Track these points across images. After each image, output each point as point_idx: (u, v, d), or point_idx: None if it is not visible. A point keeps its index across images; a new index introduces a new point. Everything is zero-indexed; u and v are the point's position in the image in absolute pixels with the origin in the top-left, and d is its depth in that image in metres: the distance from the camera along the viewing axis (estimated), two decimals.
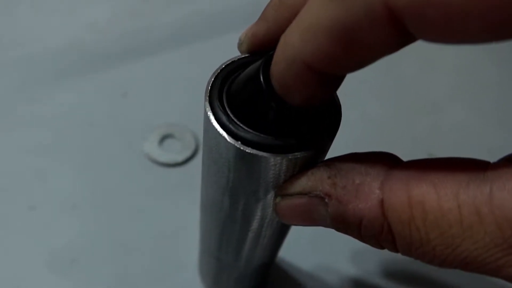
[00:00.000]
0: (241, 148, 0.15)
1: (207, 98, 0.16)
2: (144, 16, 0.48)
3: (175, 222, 0.35)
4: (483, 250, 0.12)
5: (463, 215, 0.12)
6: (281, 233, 0.23)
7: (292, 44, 0.13)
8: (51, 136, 0.39)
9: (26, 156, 0.38)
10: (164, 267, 0.34)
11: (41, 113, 0.40)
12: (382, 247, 0.15)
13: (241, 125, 0.16)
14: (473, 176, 0.13)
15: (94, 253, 0.34)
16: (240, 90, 0.16)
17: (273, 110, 0.15)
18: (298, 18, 0.14)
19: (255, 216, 0.19)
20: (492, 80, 0.48)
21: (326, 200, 0.15)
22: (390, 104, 0.45)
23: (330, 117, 0.16)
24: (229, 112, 0.16)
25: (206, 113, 0.16)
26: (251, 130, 0.15)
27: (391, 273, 0.35)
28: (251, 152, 0.15)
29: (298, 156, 0.15)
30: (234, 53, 0.18)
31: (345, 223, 0.15)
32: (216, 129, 0.16)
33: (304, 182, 0.16)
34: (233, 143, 0.15)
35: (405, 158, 0.15)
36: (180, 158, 0.38)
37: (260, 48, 0.17)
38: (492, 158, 0.14)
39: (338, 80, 0.15)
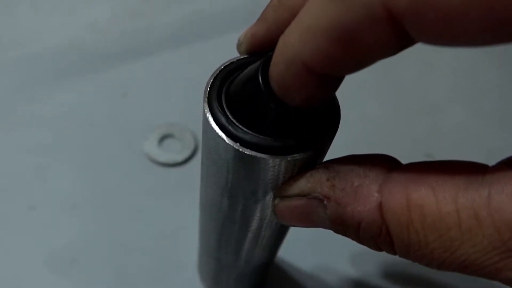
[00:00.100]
0: (240, 149, 0.15)
1: (206, 99, 0.16)
2: (144, 16, 0.48)
3: (175, 222, 0.35)
4: (481, 253, 0.12)
5: (462, 219, 0.12)
6: (280, 233, 0.23)
7: (291, 45, 0.13)
8: (51, 136, 0.39)
9: (26, 156, 0.38)
10: (164, 267, 0.34)
11: (41, 113, 0.40)
12: (380, 249, 0.15)
13: (240, 126, 0.16)
14: (472, 179, 0.13)
15: (94, 253, 0.34)
16: (239, 91, 0.16)
17: (272, 111, 0.15)
18: (297, 18, 0.14)
19: (254, 217, 0.19)
20: (491, 81, 0.48)
21: (325, 202, 0.15)
22: (389, 105, 0.45)
23: (329, 118, 0.16)
24: (228, 113, 0.16)
25: (205, 114, 0.16)
26: (250, 131, 0.15)
27: (389, 274, 0.35)
28: (250, 153, 0.15)
29: (297, 157, 0.15)
30: (234, 53, 0.18)
31: (343, 225, 0.15)
32: (215, 130, 0.16)
33: (303, 184, 0.16)
34: (231, 144, 0.15)
35: (404, 159, 0.15)
36: (179, 158, 0.38)
37: (259, 49, 0.17)
38: (492, 160, 0.14)
39: (337, 81, 0.15)
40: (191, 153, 0.38)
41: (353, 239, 0.15)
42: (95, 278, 0.33)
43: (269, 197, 0.17)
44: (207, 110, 0.16)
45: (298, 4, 0.15)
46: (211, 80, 0.17)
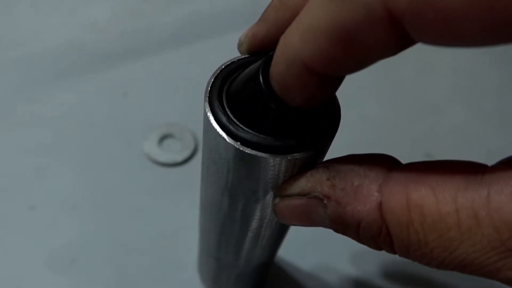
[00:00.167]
0: (241, 148, 0.15)
1: (207, 98, 0.16)
2: (144, 16, 0.48)
3: (175, 222, 0.35)
4: (480, 253, 0.12)
5: (461, 219, 0.13)
6: (280, 233, 0.23)
7: (292, 45, 0.14)
8: (51, 136, 0.39)
9: (26, 156, 0.38)
10: (164, 267, 0.34)
11: (41, 113, 0.40)
12: (380, 249, 0.15)
13: (241, 125, 0.16)
14: (471, 179, 0.13)
15: (94, 253, 0.34)
16: (239, 91, 0.16)
17: (272, 110, 0.15)
18: (297, 19, 0.14)
19: (254, 216, 0.19)
20: (491, 81, 0.48)
21: (325, 201, 0.15)
22: (389, 106, 0.45)
23: (330, 118, 0.16)
24: (228, 113, 0.16)
25: (205, 114, 0.16)
26: (250, 131, 0.15)
27: (389, 274, 0.35)
28: (251, 152, 0.15)
29: (297, 156, 0.15)
30: (234, 53, 0.18)
31: (343, 225, 0.15)
32: (216, 130, 0.16)
33: (303, 183, 0.16)
34: (232, 143, 0.15)
35: (404, 159, 0.15)
36: (179, 158, 0.38)
37: (260, 49, 0.17)
38: (491, 160, 0.14)
39: (337, 81, 0.15)
40: (191, 153, 0.38)
41: (353, 238, 0.15)
42: (95, 278, 0.33)
43: (269, 196, 0.17)
44: (208, 109, 0.16)
45: (299, 4, 0.15)
46: (212, 80, 0.17)
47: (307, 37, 0.13)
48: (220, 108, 0.16)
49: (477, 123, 0.44)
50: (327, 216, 0.15)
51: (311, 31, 0.13)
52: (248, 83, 0.16)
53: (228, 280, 0.29)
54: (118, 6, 0.48)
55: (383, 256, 0.35)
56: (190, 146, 0.39)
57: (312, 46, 0.13)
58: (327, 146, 0.17)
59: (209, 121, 0.16)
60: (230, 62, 0.17)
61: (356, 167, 0.15)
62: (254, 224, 0.20)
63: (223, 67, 0.17)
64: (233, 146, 0.15)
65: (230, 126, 0.15)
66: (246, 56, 0.17)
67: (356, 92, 0.44)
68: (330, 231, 0.16)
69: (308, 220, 0.16)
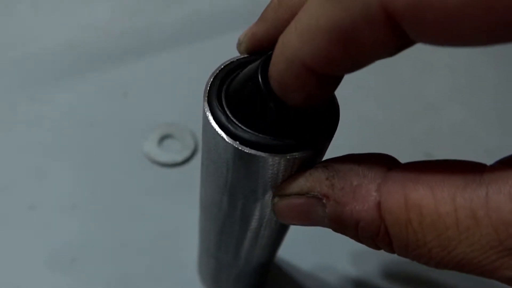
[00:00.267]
0: (240, 148, 0.15)
1: (206, 98, 0.16)
2: (144, 16, 0.48)
3: (175, 222, 0.35)
4: (479, 253, 0.12)
5: (460, 218, 0.13)
6: (279, 232, 0.23)
7: (291, 45, 0.14)
8: (51, 136, 0.39)
9: (26, 155, 0.38)
10: (164, 267, 0.34)
11: (41, 113, 0.40)
12: (379, 248, 0.15)
13: (240, 125, 0.16)
14: (470, 179, 0.13)
15: (94, 252, 0.34)
16: (238, 90, 0.16)
17: (271, 110, 0.15)
18: (296, 18, 0.14)
19: (253, 216, 0.19)
20: (490, 81, 0.48)
21: (324, 201, 0.15)
22: (388, 105, 0.45)
23: (329, 117, 0.16)
24: (227, 112, 0.16)
25: (204, 113, 0.16)
26: (249, 130, 0.15)
27: (389, 274, 0.35)
28: (249, 152, 0.15)
29: (296, 156, 0.15)
30: (234, 53, 0.18)
31: (342, 224, 0.15)
32: (215, 129, 0.16)
33: (302, 183, 0.16)
34: (231, 143, 0.15)
35: (402, 158, 0.15)
36: (179, 158, 0.38)
37: (259, 49, 0.17)
38: (490, 159, 0.14)
39: (336, 81, 0.15)
40: (191, 153, 0.38)
41: (352, 237, 0.15)
42: (95, 278, 0.33)
43: (269, 195, 0.17)
44: (207, 108, 0.16)
45: (298, 4, 0.15)
46: (211, 79, 0.17)
47: (306, 37, 0.13)
48: (219, 107, 0.16)
49: (476, 122, 0.44)
50: (326, 216, 0.15)
51: (309, 30, 0.13)
52: (247, 82, 0.16)
53: (228, 280, 0.29)
54: (118, 6, 0.48)
55: (383, 256, 0.35)
56: (190, 146, 0.39)
57: (310, 46, 0.13)
58: (326, 145, 0.17)
59: (208, 120, 0.16)
60: (229, 61, 0.17)
61: (355, 167, 0.15)
62: (253, 223, 0.20)
63: (222, 66, 0.17)
64: (232, 145, 0.15)
65: (229, 126, 0.15)
66: (245, 55, 0.17)
67: (355, 92, 0.44)
68: (330, 231, 0.16)
69: (307, 219, 0.16)
